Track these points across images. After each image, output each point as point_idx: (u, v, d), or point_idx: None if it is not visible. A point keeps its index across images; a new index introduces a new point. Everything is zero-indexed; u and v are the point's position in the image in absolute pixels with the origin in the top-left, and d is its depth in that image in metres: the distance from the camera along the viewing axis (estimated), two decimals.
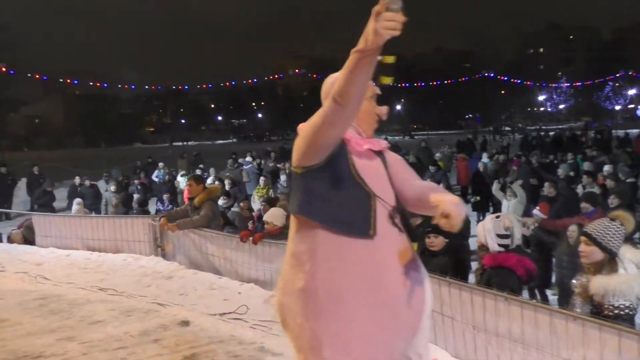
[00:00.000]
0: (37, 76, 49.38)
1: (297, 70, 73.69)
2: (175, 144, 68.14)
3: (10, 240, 10.90)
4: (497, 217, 4.81)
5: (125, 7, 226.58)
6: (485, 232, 4.64)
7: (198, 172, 18.41)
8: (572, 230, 7.32)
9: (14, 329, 5.74)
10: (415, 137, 62.01)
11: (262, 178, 15.94)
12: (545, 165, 16.73)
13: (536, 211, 9.12)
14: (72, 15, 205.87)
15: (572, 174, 14.30)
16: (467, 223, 8.51)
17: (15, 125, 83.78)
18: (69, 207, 18.60)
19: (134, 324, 5.83)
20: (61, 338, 5.47)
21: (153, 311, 6.21)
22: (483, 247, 4.76)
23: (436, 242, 5.60)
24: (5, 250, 9.73)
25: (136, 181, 19.87)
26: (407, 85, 64.68)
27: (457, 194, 14.46)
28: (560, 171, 12.64)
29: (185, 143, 68.13)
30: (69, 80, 56.93)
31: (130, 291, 6.96)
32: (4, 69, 41.87)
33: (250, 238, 7.16)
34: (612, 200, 9.25)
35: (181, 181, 19.04)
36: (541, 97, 79.58)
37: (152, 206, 14.91)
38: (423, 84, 64.12)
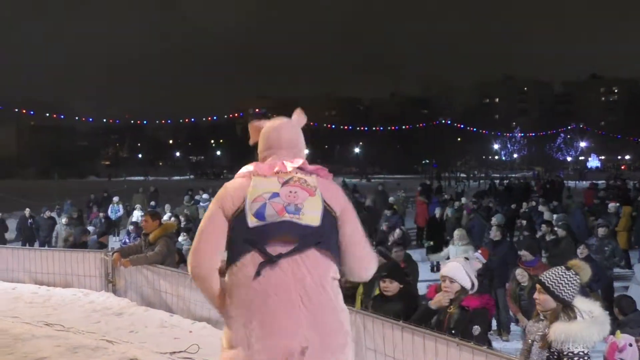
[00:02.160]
0: None
1: (257, 110, 74.01)
2: (129, 178, 67.25)
3: None
4: (466, 258, 4.85)
5: (86, 37, 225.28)
6: (469, 273, 4.63)
7: (150, 208, 18.24)
8: (519, 273, 7.53)
9: None
10: (372, 180, 62.59)
11: None
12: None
13: (478, 254, 9.27)
14: (30, 43, 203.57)
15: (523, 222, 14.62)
16: (415, 267, 8.64)
17: None
18: (17, 239, 18.17)
19: None
20: None
21: (101, 348, 6.05)
22: (449, 290, 4.65)
23: (391, 287, 5.64)
24: None
25: (101, 214, 19.55)
26: (366, 129, 65.52)
27: (413, 236, 14.64)
28: (494, 220, 12.91)
29: (146, 178, 67.37)
30: (24, 110, 55.93)
31: (78, 327, 6.78)
32: None
33: None
34: (582, 251, 9.52)
35: (136, 216, 18.80)
36: (496, 146, 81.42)
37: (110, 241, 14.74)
38: (382, 128, 65.04)
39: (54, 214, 19.84)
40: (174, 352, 5.87)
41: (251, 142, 3.08)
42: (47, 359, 5.73)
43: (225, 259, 2.78)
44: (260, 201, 2.67)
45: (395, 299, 5.61)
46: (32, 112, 57.38)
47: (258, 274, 2.60)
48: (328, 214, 2.71)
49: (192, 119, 68.56)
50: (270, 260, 2.62)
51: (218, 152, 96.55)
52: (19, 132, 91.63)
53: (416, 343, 4.59)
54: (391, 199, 21.22)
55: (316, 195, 2.72)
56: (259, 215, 2.65)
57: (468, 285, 4.60)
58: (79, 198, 26.95)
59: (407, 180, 54.45)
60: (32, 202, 24.71)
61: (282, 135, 2.99)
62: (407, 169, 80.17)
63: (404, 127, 63.65)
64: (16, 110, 56.52)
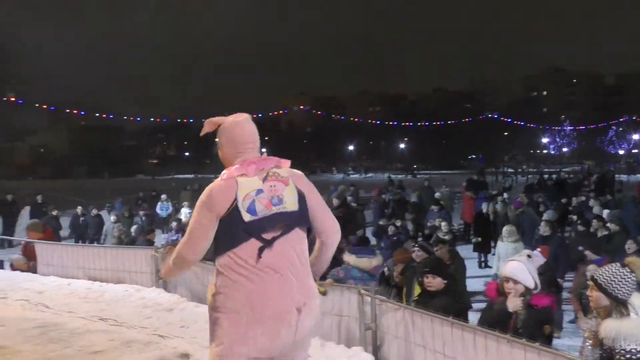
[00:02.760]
0: (45, 106, 50.00)
1: (301, 107, 74.21)
2: (178, 176, 68.21)
3: (13, 267, 10.91)
4: (529, 256, 4.75)
5: (134, 39, 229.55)
6: (532, 272, 4.54)
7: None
8: (591, 269, 7.36)
9: (14, 356, 5.72)
10: (418, 176, 62.17)
11: None
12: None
13: (537, 252, 9.11)
14: (82, 47, 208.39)
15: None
16: (462, 263, 8.51)
17: (20, 154, 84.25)
18: (70, 237, 18.66)
19: (134, 355, 5.81)
20: None
21: (153, 343, 6.18)
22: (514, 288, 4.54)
23: (434, 283, 5.61)
24: (8, 278, 9.72)
25: (141, 212, 19.92)
26: (411, 124, 65.10)
27: (460, 231, 14.32)
28: (545, 215, 12.60)
29: (196, 175, 68.28)
30: (75, 111, 57.41)
31: (130, 322, 6.94)
32: (12, 99, 42.36)
33: None
34: (630, 246, 9.25)
35: (184, 213, 19.08)
36: (544, 140, 79.82)
37: (158, 238, 14.95)
38: (427, 123, 64.52)
39: (102, 212, 20.29)
40: None
41: (202, 133, 3.58)
42: (102, 353, 5.87)
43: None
44: (249, 199, 3.17)
45: (441, 295, 5.57)
46: (82, 113, 58.86)
47: (260, 256, 3.12)
48: (301, 197, 3.28)
49: None
50: (268, 244, 3.14)
51: (263, 150, 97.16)
52: (71, 133, 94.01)
53: (466, 339, 4.55)
54: (437, 194, 21.00)
55: (290, 184, 3.27)
56: (251, 211, 3.16)
57: (532, 285, 4.51)
58: (128, 196, 27.50)
59: (452, 176, 53.90)
60: (84, 200, 25.37)
61: (246, 129, 3.44)
62: (453, 164, 79.34)
63: (449, 122, 62.95)
64: (67, 111, 58.01)
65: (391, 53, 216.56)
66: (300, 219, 3.26)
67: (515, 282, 4.50)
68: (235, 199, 3.16)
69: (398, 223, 13.99)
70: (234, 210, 3.15)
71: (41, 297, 8.22)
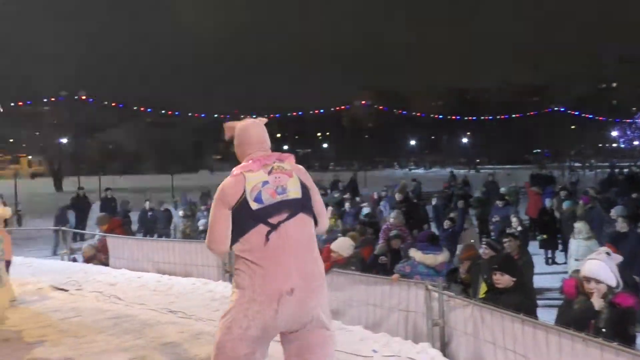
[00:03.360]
0: (114, 104, 51.53)
1: (363, 102, 73.90)
2: None
3: (85, 259, 11.36)
4: (608, 254, 4.62)
5: (199, 36, 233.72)
6: (614, 271, 4.43)
7: None
8: None
9: (90, 346, 5.92)
10: (481, 170, 61.16)
11: (329, 208, 16.00)
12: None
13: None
14: (146, 46, 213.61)
15: None
16: (529, 259, 8.29)
17: (91, 150, 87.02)
18: (139, 231, 19.18)
19: (204, 347, 5.91)
20: (134, 357, 5.60)
21: None
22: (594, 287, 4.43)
23: (502, 280, 5.52)
24: (82, 270, 10.08)
25: (203, 207, 20.28)
26: (475, 118, 64.03)
27: (525, 227, 13.85)
28: (614, 212, 12.11)
29: None
30: (143, 108, 58.98)
31: (199, 314, 7.08)
32: (83, 97, 43.87)
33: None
34: None
35: None
36: (614, 133, 77.20)
37: None
38: (491, 117, 63.36)
39: (170, 207, 20.75)
40: None
41: (226, 137, 4.08)
42: (173, 344, 6.01)
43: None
44: (256, 190, 3.55)
45: (510, 292, 5.47)
46: (149, 110, 60.40)
47: (267, 239, 3.47)
48: (304, 188, 3.68)
49: (300, 113, 69.33)
50: (274, 228, 3.49)
51: (324, 145, 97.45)
52: (137, 130, 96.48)
53: (538, 337, 4.44)
54: (503, 189, 20.63)
55: (293, 175, 3.67)
56: (258, 200, 3.54)
57: (614, 284, 4.39)
58: (194, 191, 28.06)
59: (517, 171, 52.79)
60: (150, 195, 26.02)
61: (252, 132, 3.93)
62: (517, 158, 77.66)
63: (514, 115, 61.62)
64: (135, 108, 59.64)
65: (456, 46, 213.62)
66: (304, 205, 3.64)
67: (598, 281, 4.38)
68: (244, 191, 3.55)
69: (452, 215, 13.85)
70: (243, 201, 3.54)
71: (114, 289, 8.48)
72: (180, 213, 18.18)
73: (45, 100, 45.97)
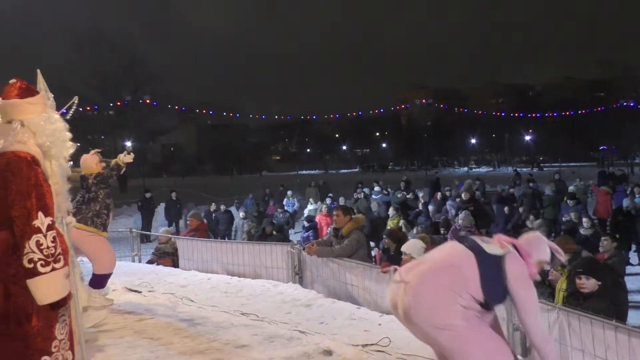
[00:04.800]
0: (177, 107, 52.67)
1: (424, 101, 73.09)
2: (302, 172, 69.47)
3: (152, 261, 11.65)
4: None
5: (261, 40, 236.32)
6: None
7: (328, 201, 18.65)
8: None
9: (167, 348, 5.97)
10: (544, 168, 59.67)
11: (391, 208, 15.88)
12: None
13: None
14: (210, 50, 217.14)
15: None
16: (622, 261, 7.95)
17: (153, 153, 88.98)
18: None
19: (278, 350, 5.88)
20: None
21: (295, 339, 6.24)
22: None
23: (588, 284, 5.29)
24: (153, 272, 10.24)
25: (279, 210, 20.41)
26: (539, 115, 62.49)
27: (595, 227, 13.41)
28: None
29: (326, 171, 69.06)
30: (204, 111, 60.00)
31: (271, 317, 7.05)
32: (148, 101, 44.92)
33: (392, 269, 7.07)
34: None
35: (310, 209, 19.36)
36: None
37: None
38: (555, 113, 61.71)
39: (231, 208, 20.98)
40: (366, 345, 5.90)
41: None
42: (247, 347, 5.99)
43: None
44: None
45: (595, 297, 5.24)
46: (211, 112, 61.40)
47: None
48: None
49: (360, 113, 69.17)
50: None
51: (383, 145, 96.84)
52: (198, 132, 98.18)
53: (634, 345, 4.21)
54: (571, 187, 20.03)
55: None
56: None
57: None
58: (255, 192, 28.29)
59: (582, 168, 51.29)
60: (213, 197, 26.38)
61: None
62: (582, 156, 75.40)
63: (579, 111, 59.80)
64: (197, 110, 60.70)
65: (519, 42, 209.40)
66: None
67: None
68: None
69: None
70: None
71: (185, 291, 8.55)
72: (242, 214, 18.34)
73: (111, 104, 47.33)
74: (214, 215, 19.45)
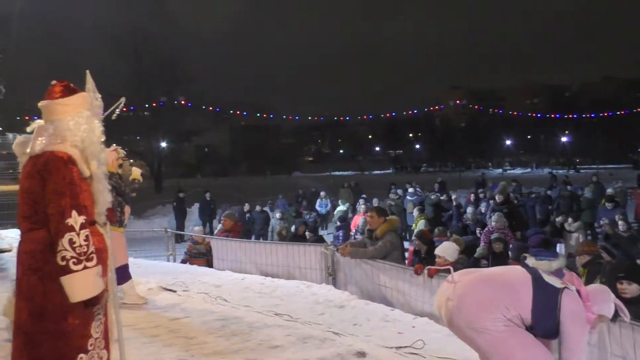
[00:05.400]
0: (211, 108, 53.11)
1: (458, 102, 72.46)
2: (335, 173, 69.42)
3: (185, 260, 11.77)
4: None
5: (294, 40, 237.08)
6: None
7: (361, 202, 18.62)
8: None
9: (201, 347, 6.01)
10: (581, 170, 58.68)
11: (415, 209, 15.91)
12: None
13: None
14: (243, 50, 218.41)
15: None
16: None
17: (187, 154, 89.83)
18: None
19: (312, 351, 5.88)
20: None
21: (329, 340, 6.23)
22: None
23: (630, 290, 5.17)
24: (187, 271, 10.33)
25: (304, 212, 20.48)
26: (575, 116, 61.48)
27: (633, 231, 13.16)
28: None
29: (363, 172, 68.84)
30: (238, 112, 60.40)
31: (304, 318, 7.05)
32: (183, 102, 45.40)
33: (425, 271, 7.03)
34: None
35: (342, 210, 19.33)
36: None
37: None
38: (593, 114, 60.64)
39: (266, 208, 21.09)
40: (400, 347, 5.86)
41: None
42: (281, 348, 6.00)
43: None
44: None
45: (637, 303, 5.12)
46: (245, 113, 61.77)
47: None
48: None
49: (394, 114, 68.85)
50: None
51: (417, 146, 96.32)
52: (232, 133, 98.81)
53: None
54: (610, 190, 19.63)
55: None
56: None
57: None
58: (288, 193, 28.35)
59: (619, 170, 50.26)
60: (246, 197, 26.53)
61: None
62: (620, 158, 73.96)
63: (618, 112, 58.64)
64: (231, 112, 61.12)
65: (558, 43, 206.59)
66: None
67: None
68: None
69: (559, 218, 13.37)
70: None
71: (219, 291, 8.60)
72: (277, 215, 18.43)
73: (147, 105, 47.91)
74: (247, 215, 19.56)
